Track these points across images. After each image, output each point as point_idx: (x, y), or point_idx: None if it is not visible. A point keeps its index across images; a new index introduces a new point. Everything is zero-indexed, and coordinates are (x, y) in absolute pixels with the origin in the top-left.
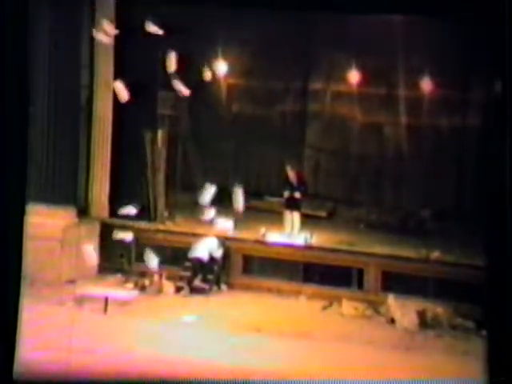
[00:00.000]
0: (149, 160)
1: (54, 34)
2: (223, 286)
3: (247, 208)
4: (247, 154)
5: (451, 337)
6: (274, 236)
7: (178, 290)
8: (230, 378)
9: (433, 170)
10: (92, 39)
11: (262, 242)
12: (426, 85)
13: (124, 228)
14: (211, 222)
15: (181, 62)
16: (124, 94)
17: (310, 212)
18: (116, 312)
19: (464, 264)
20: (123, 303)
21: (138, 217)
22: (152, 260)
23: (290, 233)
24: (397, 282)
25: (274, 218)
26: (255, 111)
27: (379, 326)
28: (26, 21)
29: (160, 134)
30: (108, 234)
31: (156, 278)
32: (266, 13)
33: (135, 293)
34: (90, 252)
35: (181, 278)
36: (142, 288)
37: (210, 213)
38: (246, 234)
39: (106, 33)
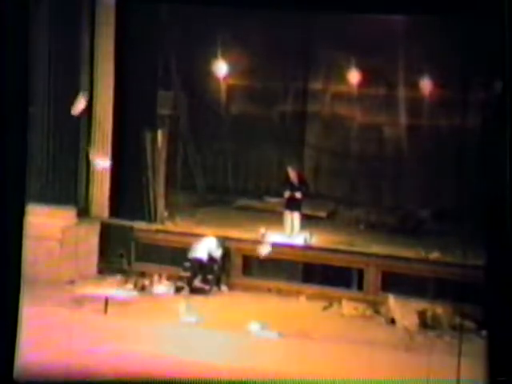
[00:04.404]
0: (149, 160)
1: (53, 35)
2: (223, 287)
3: (247, 208)
4: (247, 154)
5: (451, 337)
6: (274, 236)
7: (178, 290)
8: (230, 378)
9: (432, 170)
10: (92, 39)
11: (262, 242)
12: (426, 85)
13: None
14: None
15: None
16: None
17: (309, 212)
18: (116, 312)
19: (464, 264)
20: (123, 303)
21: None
22: None
23: (289, 233)
24: (397, 282)
25: (274, 218)
26: (255, 111)
27: (379, 326)
28: (27, 21)
29: (160, 134)
30: (108, 235)
31: (156, 278)
32: (266, 13)
33: (135, 293)
34: None
35: (181, 279)
36: (142, 288)
37: None
38: (246, 234)
39: None
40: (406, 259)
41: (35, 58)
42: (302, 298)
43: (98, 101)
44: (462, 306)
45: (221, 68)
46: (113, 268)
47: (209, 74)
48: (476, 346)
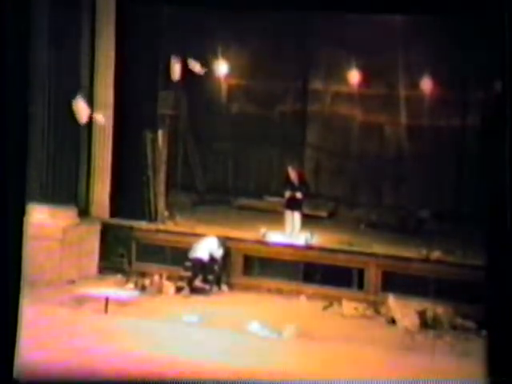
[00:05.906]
0: (149, 160)
1: (53, 34)
2: (224, 286)
3: (248, 208)
4: (247, 154)
5: (451, 337)
6: (275, 236)
7: (179, 290)
8: (230, 378)
9: (433, 170)
10: (93, 39)
11: (263, 242)
12: (426, 85)
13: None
14: None
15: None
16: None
17: (310, 212)
18: (116, 312)
19: (464, 264)
20: (124, 303)
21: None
22: None
23: (290, 233)
24: (397, 282)
25: (275, 217)
26: (255, 111)
27: (379, 326)
28: (27, 20)
29: (160, 133)
30: (108, 234)
31: (156, 278)
32: (266, 13)
33: (136, 293)
34: None
35: (181, 278)
36: (143, 288)
37: None
38: (247, 234)
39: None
40: (407, 259)
41: (36, 58)
42: (303, 298)
43: (99, 101)
44: (462, 306)
45: (221, 68)
46: (113, 268)
47: (209, 74)
48: (476, 345)
